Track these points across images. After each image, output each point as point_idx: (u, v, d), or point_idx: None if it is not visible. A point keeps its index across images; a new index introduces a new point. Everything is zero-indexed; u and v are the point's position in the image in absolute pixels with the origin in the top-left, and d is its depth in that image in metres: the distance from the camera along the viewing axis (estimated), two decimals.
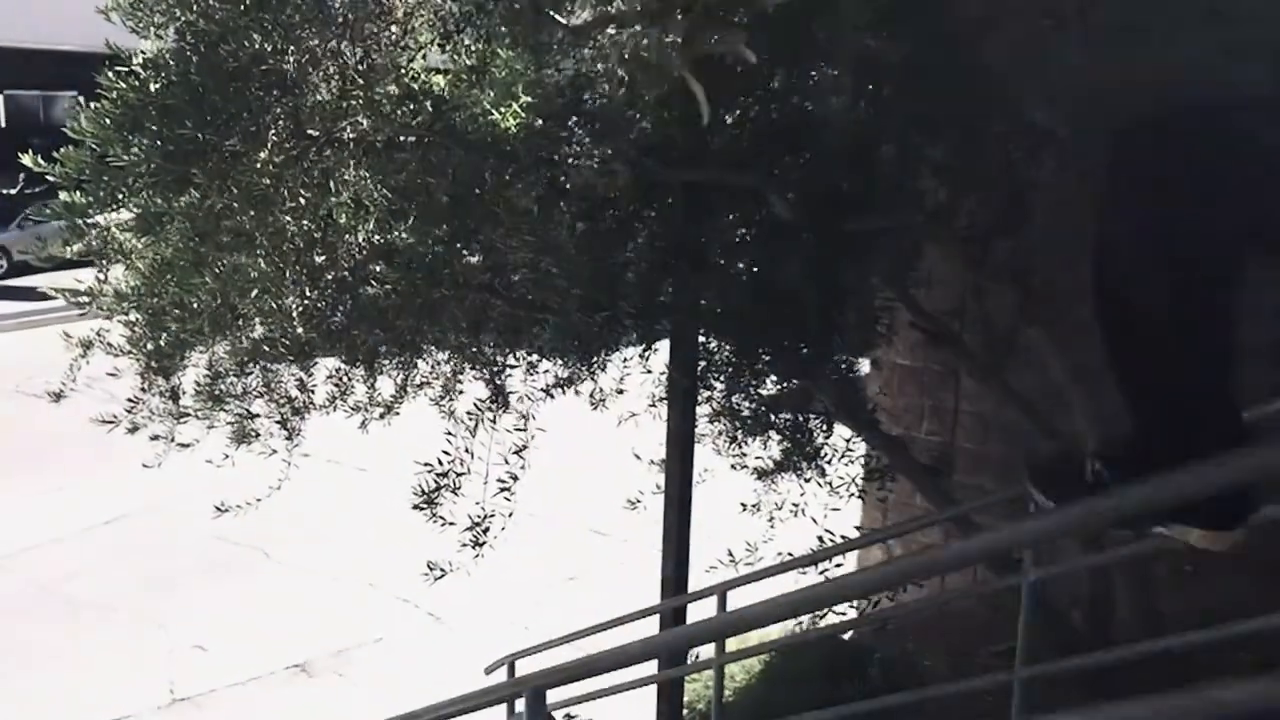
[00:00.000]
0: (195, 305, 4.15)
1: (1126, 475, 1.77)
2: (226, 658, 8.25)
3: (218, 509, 4.70)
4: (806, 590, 3.16)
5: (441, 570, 4.25)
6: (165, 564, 9.75)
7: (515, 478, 4.28)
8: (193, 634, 8.61)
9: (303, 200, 3.53)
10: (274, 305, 3.92)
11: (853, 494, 4.62)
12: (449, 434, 4.44)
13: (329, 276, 4.17)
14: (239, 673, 8.09)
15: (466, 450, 4.26)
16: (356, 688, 8.00)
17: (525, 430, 4.38)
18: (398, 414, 5.95)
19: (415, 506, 4.27)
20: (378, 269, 4.66)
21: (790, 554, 4.54)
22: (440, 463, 4.22)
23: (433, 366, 5.30)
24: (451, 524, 4.00)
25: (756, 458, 5.17)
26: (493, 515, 4.21)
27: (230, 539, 9.78)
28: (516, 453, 4.41)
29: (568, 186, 3.98)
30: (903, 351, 5.62)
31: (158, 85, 3.63)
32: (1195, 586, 3.90)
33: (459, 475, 4.24)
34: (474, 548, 4.22)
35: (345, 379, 5.68)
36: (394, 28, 3.89)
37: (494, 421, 4.48)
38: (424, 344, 5.29)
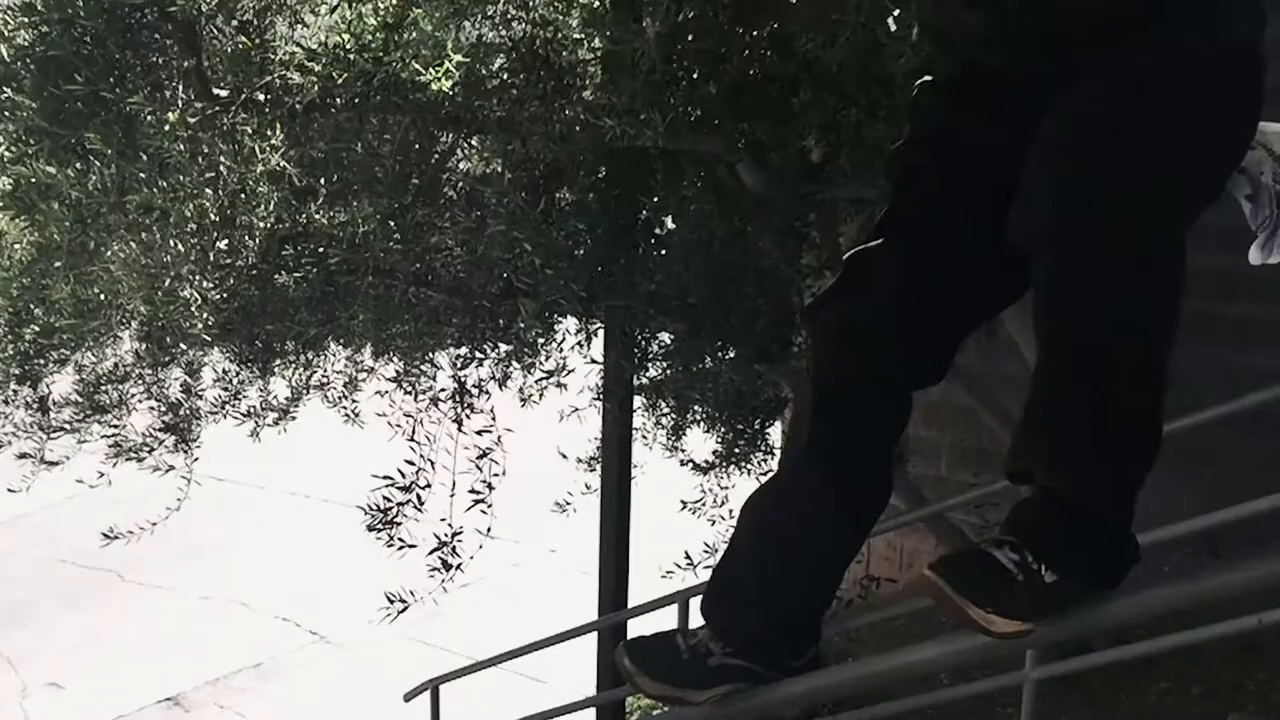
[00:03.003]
0: (83, 298, 3.51)
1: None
2: (87, 695, 7.43)
3: (106, 535, 4.05)
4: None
5: (403, 601, 3.71)
6: (7, 594, 8.79)
7: (491, 487, 3.77)
8: (46, 671, 7.73)
9: (222, 170, 2.96)
10: (187, 294, 3.32)
11: None
12: (414, 441, 3.88)
13: (238, 261, 3.58)
14: (103, 712, 7.29)
15: (428, 460, 3.71)
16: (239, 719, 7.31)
17: (490, 431, 3.86)
18: (294, 419, 5.37)
19: (371, 528, 3.71)
20: (287, 253, 4.08)
21: None
22: (403, 475, 3.68)
23: (347, 362, 4.73)
24: (413, 547, 3.48)
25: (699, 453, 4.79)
26: (458, 534, 3.69)
27: (78, 562, 8.92)
28: (479, 458, 3.89)
29: (526, 153, 3.49)
30: None
31: (32, 34, 3.01)
32: None
33: (423, 489, 3.69)
34: (443, 570, 3.69)
35: (235, 382, 5.07)
36: None
37: (459, 423, 3.95)
38: (330, 339, 4.73)
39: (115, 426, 4.59)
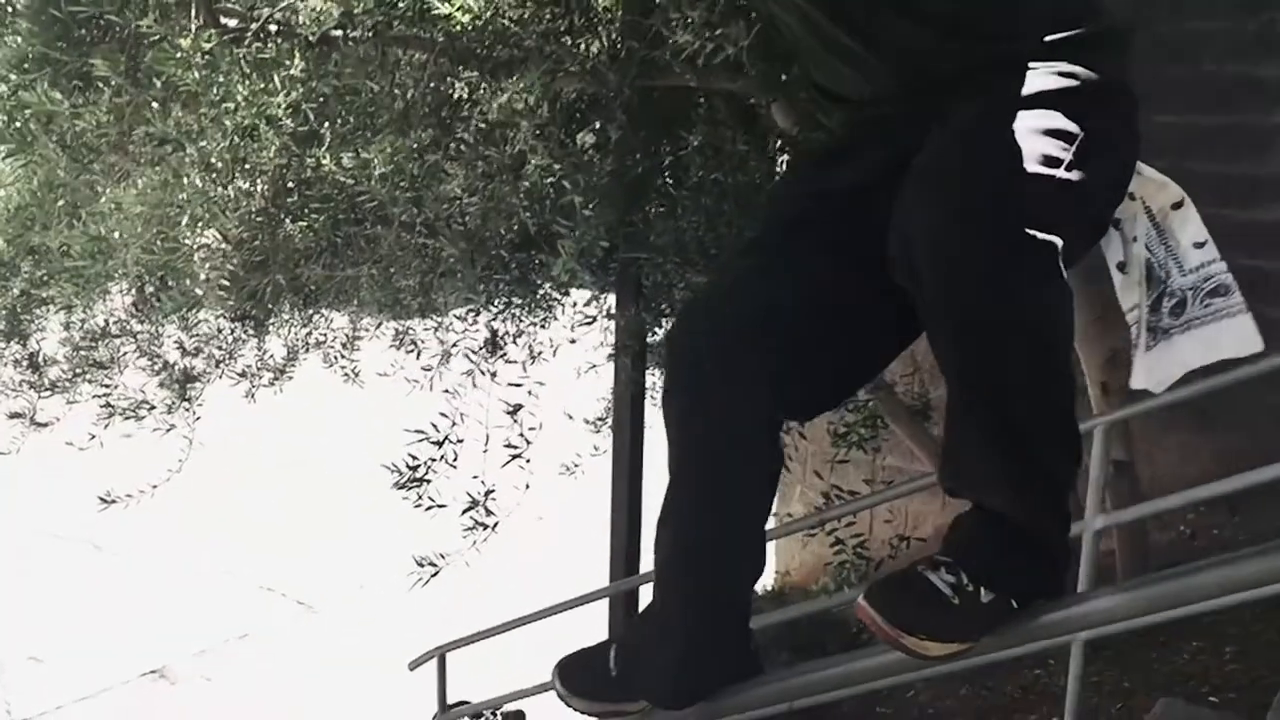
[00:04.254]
0: (78, 246, 3.28)
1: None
2: (68, 669, 7.20)
3: (102, 499, 3.83)
4: None
5: (433, 565, 3.51)
6: None
7: (528, 440, 3.57)
8: (24, 645, 7.49)
9: (240, 99, 2.74)
10: (189, 242, 3.11)
11: (856, 443, 4.11)
12: (448, 392, 3.66)
13: (245, 206, 3.37)
14: (85, 685, 7.07)
15: (460, 414, 3.50)
16: (225, 691, 7.10)
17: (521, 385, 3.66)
18: (290, 378, 5.16)
19: (399, 486, 3.51)
20: (293, 200, 3.87)
21: (789, 515, 4.02)
22: (436, 428, 3.47)
23: (351, 318, 4.51)
24: (443, 506, 3.28)
25: None
26: (491, 492, 3.49)
27: (50, 532, 8.68)
28: (511, 412, 3.70)
29: (556, 90, 3.28)
30: None
31: None
32: None
33: (456, 443, 3.49)
34: (478, 530, 3.49)
35: (230, 341, 4.85)
36: None
37: (493, 374, 3.75)
38: (333, 294, 4.51)
39: (107, 386, 4.36)
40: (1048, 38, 1.43)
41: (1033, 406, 1.41)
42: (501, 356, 3.76)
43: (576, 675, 1.73)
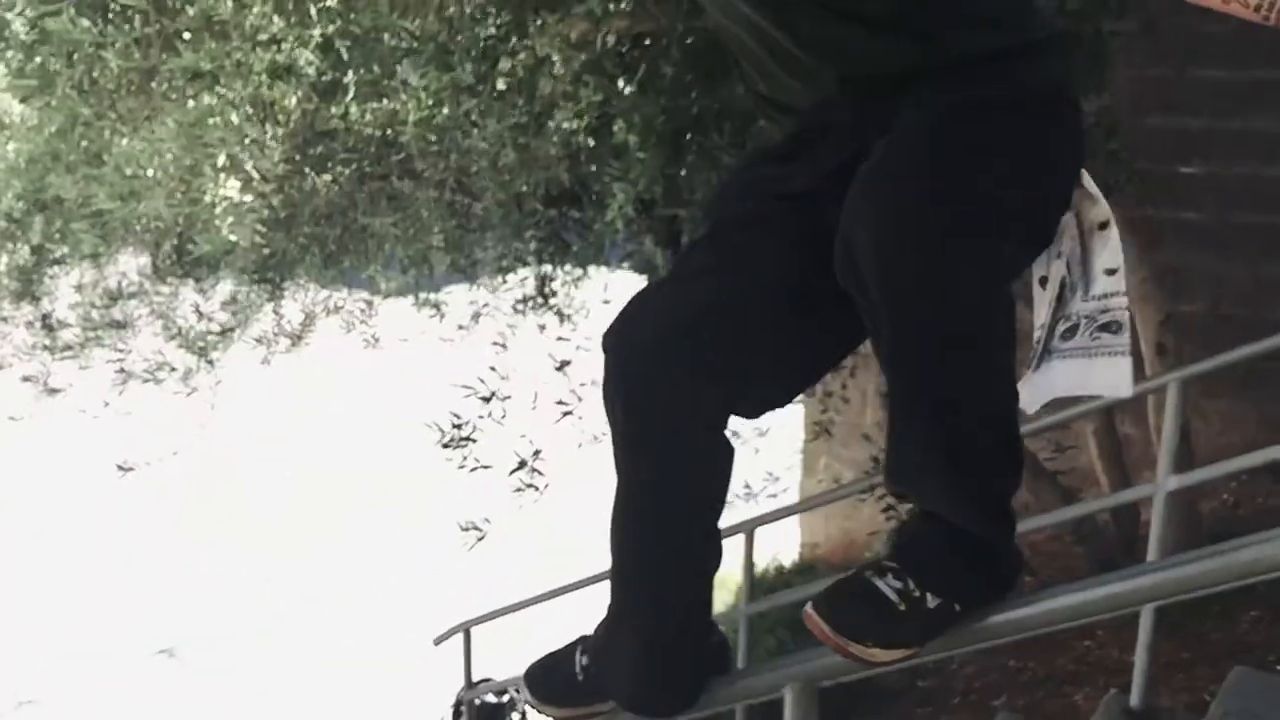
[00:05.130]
0: (96, 199, 3.11)
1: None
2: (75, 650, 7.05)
3: (120, 468, 3.66)
4: None
5: (478, 529, 3.34)
6: None
7: (579, 397, 3.39)
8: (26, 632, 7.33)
9: (275, 31, 2.56)
10: (210, 197, 2.93)
11: None
12: (499, 344, 3.49)
13: (271, 154, 3.20)
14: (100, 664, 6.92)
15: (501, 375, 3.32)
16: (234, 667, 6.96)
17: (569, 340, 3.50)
18: (307, 344, 5.00)
19: (445, 445, 3.33)
20: (317, 152, 3.70)
21: (836, 482, 3.86)
22: (484, 383, 3.29)
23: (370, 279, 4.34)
24: (487, 467, 3.10)
25: None
26: (539, 453, 3.31)
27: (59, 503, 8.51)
28: (559, 368, 3.53)
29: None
30: None
31: None
32: None
33: (504, 399, 3.30)
34: (527, 490, 3.32)
35: (246, 304, 4.68)
36: None
37: (541, 327, 3.58)
38: (354, 253, 4.35)
39: (121, 351, 4.19)
40: (991, 44, 1.44)
41: (971, 414, 1.42)
42: (551, 309, 3.58)
43: (544, 681, 1.73)
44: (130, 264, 4.36)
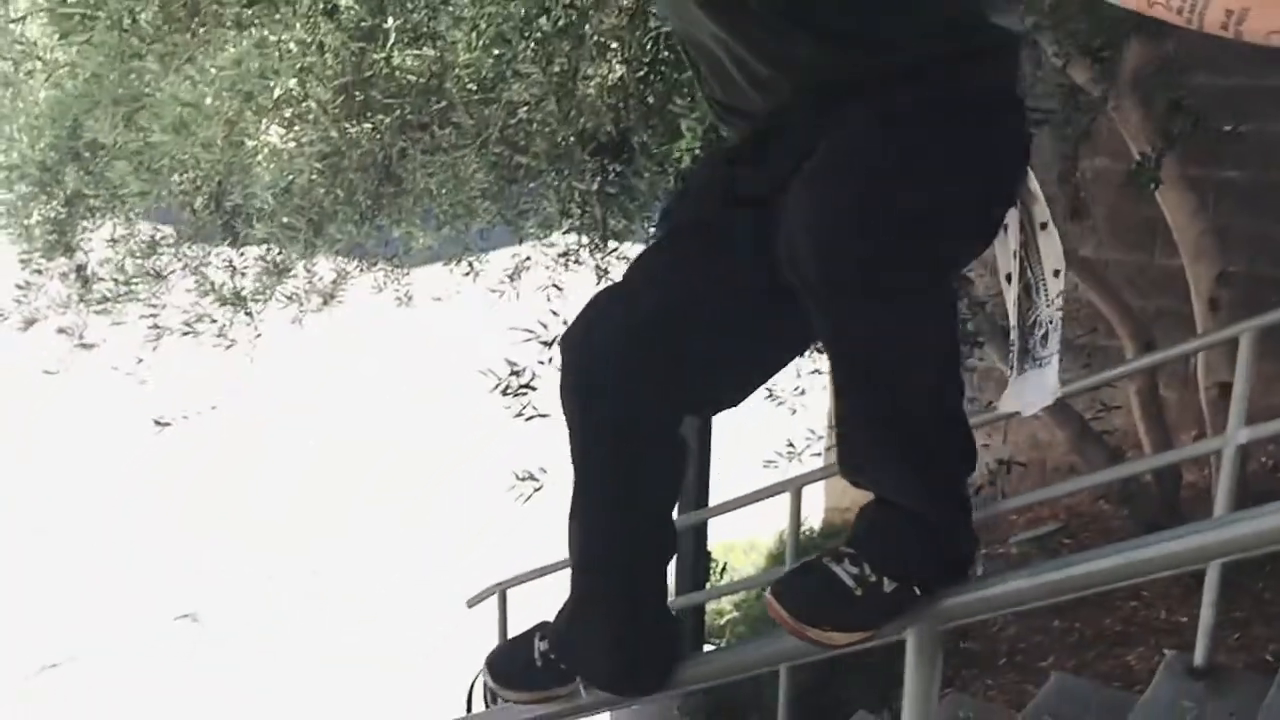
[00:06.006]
0: (132, 144, 3.02)
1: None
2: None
3: (157, 423, 3.59)
4: None
5: (534, 479, 3.26)
6: None
7: None
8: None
9: None
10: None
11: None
12: (556, 285, 3.41)
13: (323, 95, 3.11)
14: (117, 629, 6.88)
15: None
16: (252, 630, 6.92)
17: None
18: (341, 303, 4.93)
19: (503, 392, 3.26)
20: (360, 99, 3.61)
21: None
22: (546, 326, 3.21)
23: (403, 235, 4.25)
24: (545, 415, 3.02)
25: None
26: None
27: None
28: None
29: None
30: None
31: None
32: None
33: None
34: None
35: (279, 262, 4.60)
36: None
37: (605, 271, 3.50)
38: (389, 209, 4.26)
39: (155, 306, 4.11)
40: (939, 50, 1.47)
41: (912, 406, 1.46)
42: (613, 253, 3.49)
43: (504, 667, 1.81)
44: (164, 220, 4.28)
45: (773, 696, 4.35)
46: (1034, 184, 1.58)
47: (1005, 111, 1.53)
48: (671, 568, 5.26)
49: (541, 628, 1.81)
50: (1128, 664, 4.08)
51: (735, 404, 1.68)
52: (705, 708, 4.74)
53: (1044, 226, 1.61)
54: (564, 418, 1.57)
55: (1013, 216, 1.60)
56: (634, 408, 1.55)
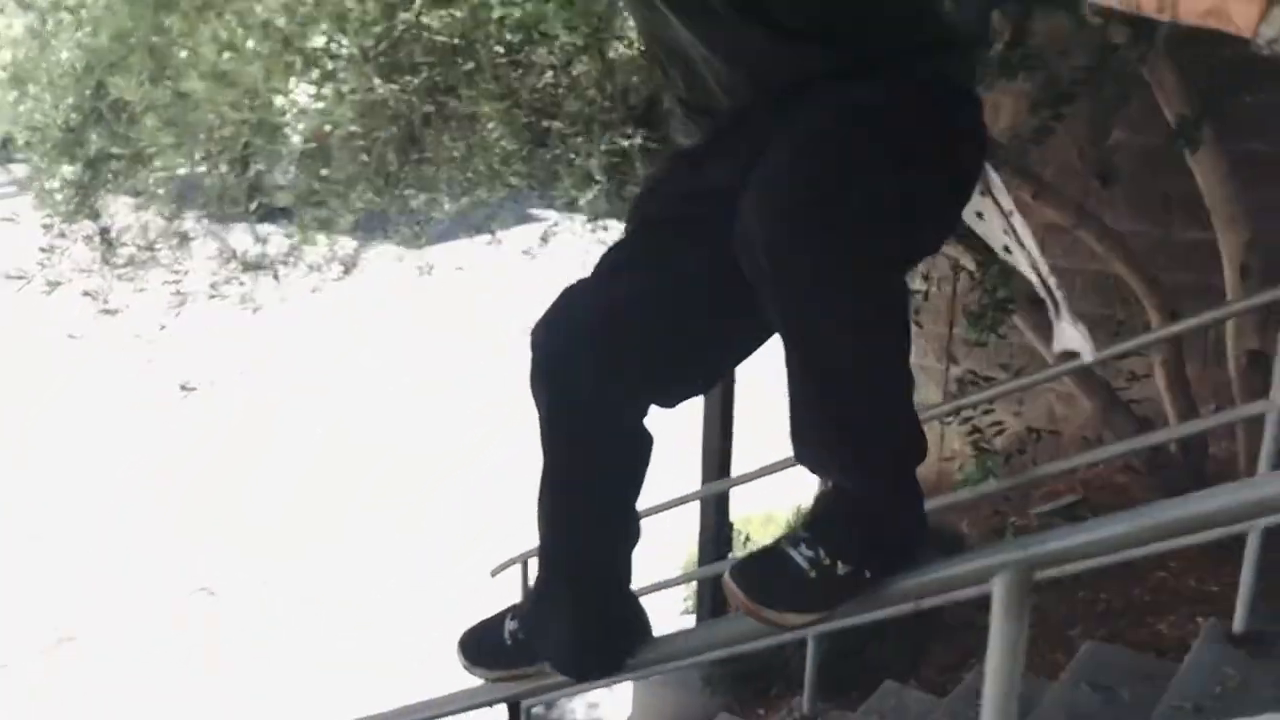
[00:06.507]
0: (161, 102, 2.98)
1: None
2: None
3: (183, 388, 3.56)
4: None
5: None
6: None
7: None
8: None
9: None
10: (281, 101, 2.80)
11: (988, 326, 3.84)
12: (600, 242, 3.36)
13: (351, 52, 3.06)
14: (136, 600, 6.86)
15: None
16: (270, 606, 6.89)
17: None
18: (360, 271, 4.89)
19: None
20: (386, 60, 3.57)
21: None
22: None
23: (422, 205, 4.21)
24: None
25: None
26: None
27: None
28: None
29: None
30: None
31: None
32: None
33: None
34: None
35: (302, 226, 4.56)
36: None
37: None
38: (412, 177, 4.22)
39: (177, 273, 4.08)
40: (894, 44, 1.50)
41: (861, 394, 1.49)
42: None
43: (474, 645, 1.87)
44: (187, 191, 4.25)
45: (799, 666, 4.34)
46: (993, 174, 1.63)
47: (959, 105, 1.55)
48: (693, 537, 5.24)
49: (514, 609, 1.88)
50: (1159, 632, 4.05)
51: (702, 393, 1.75)
52: (729, 677, 4.72)
53: (1011, 214, 1.66)
54: (533, 401, 1.61)
55: (988, 205, 1.65)
56: (595, 403, 1.60)
